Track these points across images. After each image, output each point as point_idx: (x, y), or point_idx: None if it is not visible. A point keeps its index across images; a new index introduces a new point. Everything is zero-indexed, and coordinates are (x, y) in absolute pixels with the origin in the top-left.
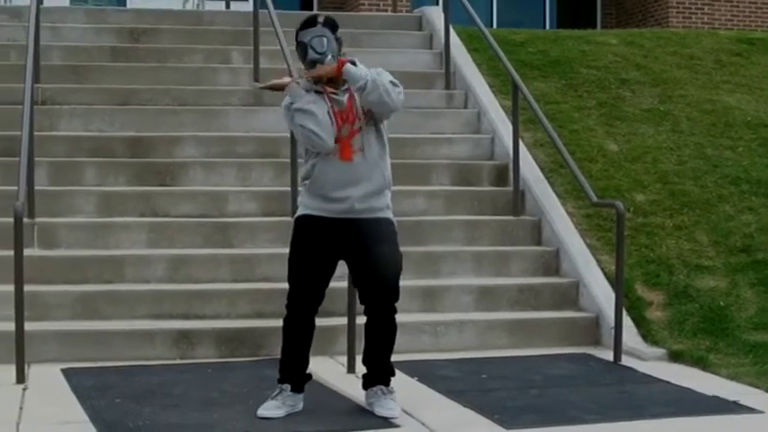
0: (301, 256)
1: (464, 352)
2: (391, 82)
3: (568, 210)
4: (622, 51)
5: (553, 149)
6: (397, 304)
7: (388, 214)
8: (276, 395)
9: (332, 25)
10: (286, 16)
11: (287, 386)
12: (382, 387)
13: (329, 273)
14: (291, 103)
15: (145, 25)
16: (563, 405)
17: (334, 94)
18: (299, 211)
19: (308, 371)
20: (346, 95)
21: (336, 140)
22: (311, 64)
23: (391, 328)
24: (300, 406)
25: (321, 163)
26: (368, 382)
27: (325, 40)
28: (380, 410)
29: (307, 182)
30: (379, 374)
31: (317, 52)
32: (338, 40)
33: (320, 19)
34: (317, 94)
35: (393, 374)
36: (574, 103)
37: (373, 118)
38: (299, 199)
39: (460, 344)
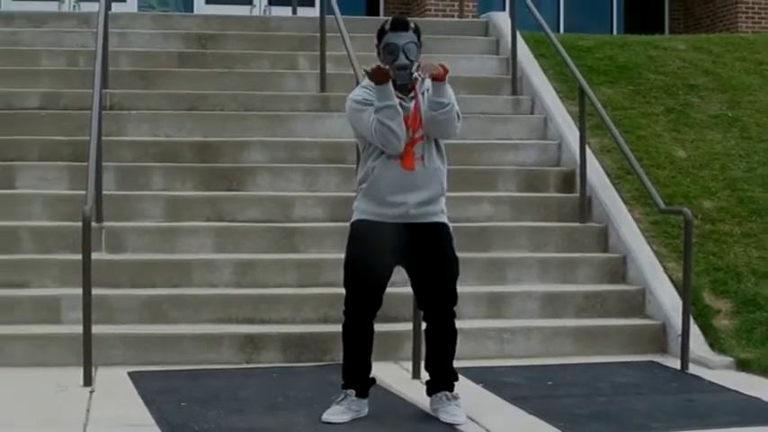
0: (358, 261)
1: (530, 359)
2: (457, 113)
3: (635, 216)
4: (690, 57)
5: (620, 155)
6: (462, 310)
7: (444, 219)
8: (341, 400)
9: (419, 32)
10: (352, 21)
11: (351, 391)
12: (447, 393)
13: (386, 278)
14: (366, 101)
15: (212, 31)
16: (629, 413)
17: (401, 99)
18: (355, 216)
19: (371, 375)
20: (412, 103)
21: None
22: (398, 68)
23: (451, 332)
24: (365, 411)
25: (381, 167)
26: (432, 388)
27: (415, 47)
28: (445, 416)
29: (363, 185)
30: (442, 380)
31: (408, 59)
32: (420, 48)
33: (412, 24)
34: None
35: (456, 379)
36: (641, 108)
37: None
38: (355, 203)
39: (526, 350)
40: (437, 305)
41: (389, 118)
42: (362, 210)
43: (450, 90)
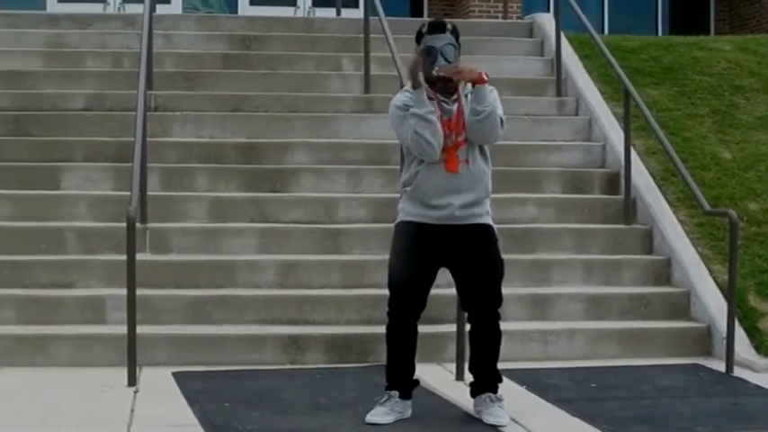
0: (401, 262)
1: (573, 361)
2: (500, 118)
3: (680, 218)
4: (736, 58)
5: (665, 157)
6: (507, 312)
7: (489, 220)
8: (384, 401)
9: (457, 34)
10: (396, 23)
11: (395, 392)
12: (490, 395)
13: (430, 279)
14: (407, 106)
15: (256, 32)
16: (674, 416)
17: (444, 102)
18: (399, 218)
19: (414, 377)
20: (455, 105)
21: (444, 149)
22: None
23: (496, 334)
24: (409, 412)
25: (425, 171)
26: (475, 390)
27: (454, 49)
28: (488, 418)
29: (408, 188)
30: (486, 381)
31: (447, 60)
32: (458, 50)
33: (449, 26)
34: (428, 100)
35: (500, 381)
36: (686, 110)
37: None
38: (399, 205)
39: (570, 353)
40: (482, 307)
41: (422, 128)
42: (407, 211)
43: (493, 94)
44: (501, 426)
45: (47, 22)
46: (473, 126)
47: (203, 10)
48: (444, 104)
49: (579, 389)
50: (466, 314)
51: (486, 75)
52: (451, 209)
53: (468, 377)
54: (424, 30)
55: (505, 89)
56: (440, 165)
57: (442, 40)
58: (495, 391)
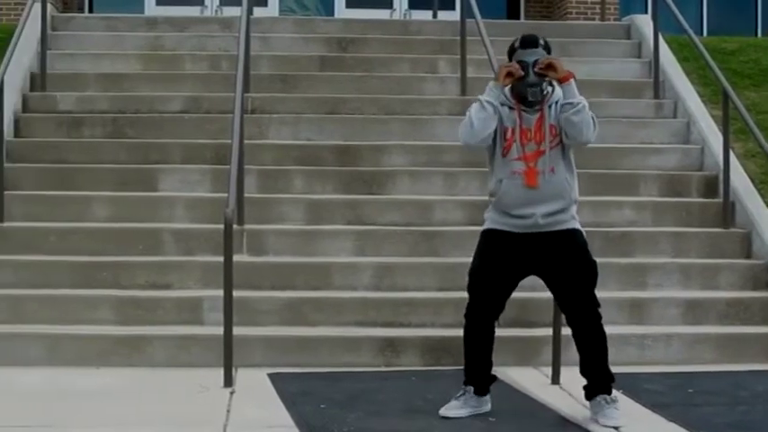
0: (483, 269)
1: (670, 365)
2: (593, 119)
3: None
4: None
5: (765, 160)
6: (604, 316)
7: (575, 225)
8: (459, 396)
9: (549, 48)
10: (493, 25)
11: (470, 388)
12: (605, 396)
13: (511, 287)
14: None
15: (353, 35)
16: None
17: (525, 111)
18: (485, 225)
19: (492, 373)
20: (536, 115)
21: (521, 158)
22: (528, 86)
23: (599, 334)
24: (486, 408)
25: (506, 182)
26: (589, 393)
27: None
28: (604, 420)
29: (493, 198)
30: (598, 383)
31: (537, 75)
32: None
33: (541, 41)
34: (509, 110)
35: (612, 381)
36: None
37: (562, 141)
38: (486, 213)
39: (667, 357)
40: (579, 311)
41: (475, 110)
42: (492, 219)
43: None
44: (618, 427)
45: (145, 25)
46: (569, 121)
47: (300, 13)
48: (525, 113)
49: (676, 394)
50: (563, 317)
51: (573, 75)
52: (534, 218)
53: (565, 381)
54: (516, 45)
55: (603, 92)
56: (520, 177)
57: (533, 56)
58: (608, 391)
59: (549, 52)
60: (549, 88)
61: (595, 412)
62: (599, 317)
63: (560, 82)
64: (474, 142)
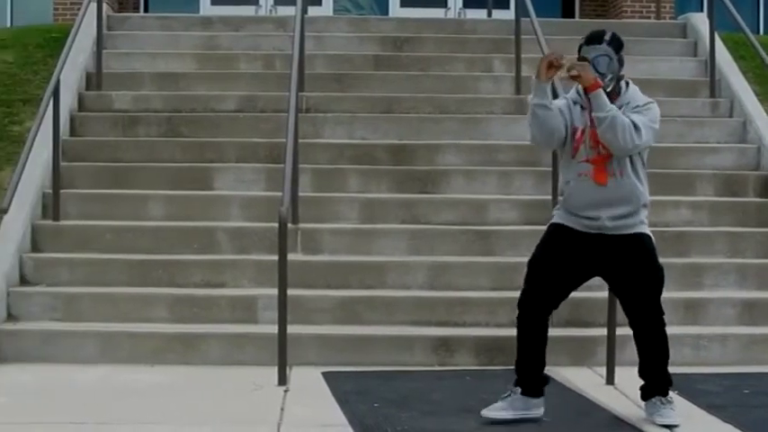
0: (544, 260)
1: (726, 366)
2: (634, 124)
3: None
4: None
5: None
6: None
7: (644, 229)
8: (505, 396)
9: (617, 45)
10: (547, 24)
11: (518, 389)
12: (660, 398)
13: (570, 285)
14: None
15: (407, 34)
16: None
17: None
18: (553, 219)
19: (544, 374)
20: None
21: (588, 160)
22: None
23: (661, 340)
24: (536, 412)
25: (574, 183)
26: (645, 394)
27: (608, 60)
28: (660, 419)
29: (563, 196)
30: (655, 385)
31: (597, 71)
32: (620, 61)
33: (607, 36)
34: (581, 110)
35: (670, 384)
36: None
37: None
38: (554, 210)
39: (722, 358)
40: (643, 317)
41: (530, 116)
42: (560, 215)
43: (606, 103)
44: (673, 426)
45: (200, 24)
46: (603, 137)
47: (354, 12)
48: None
49: (731, 395)
50: (618, 317)
51: (599, 82)
52: (602, 221)
53: (619, 382)
54: (582, 41)
55: (659, 91)
56: (588, 177)
57: (595, 51)
58: (665, 393)
59: (617, 49)
60: (611, 84)
61: (651, 412)
62: (662, 324)
63: (586, 91)
64: (543, 144)
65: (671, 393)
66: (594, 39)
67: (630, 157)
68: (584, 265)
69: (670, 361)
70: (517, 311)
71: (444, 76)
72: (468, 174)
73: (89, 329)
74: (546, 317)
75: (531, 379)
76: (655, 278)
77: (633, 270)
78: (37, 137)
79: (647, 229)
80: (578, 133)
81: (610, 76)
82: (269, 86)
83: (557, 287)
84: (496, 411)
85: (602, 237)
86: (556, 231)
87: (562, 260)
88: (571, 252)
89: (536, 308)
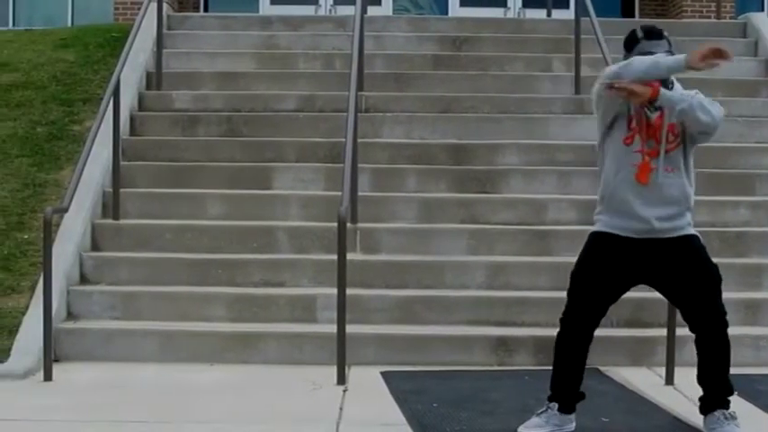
0: (589, 274)
1: None
2: (700, 103)
3: None
4: None
5: None
6: None
7: (692, 231)
8: (541, 413)
9: (671, 45)
10: (607, 23)
11: (554, 405)
12: (723, 412)
13: (617, 295)
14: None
15: (467, 33)
16: None
17: (647, 108)
18: (595, 227)
19: (580, 390)
20: (656, 113)
21: (641, 151)
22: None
23: (723, 344)
24: (569, 427)
25: (618, 180)
26: (705, 407)
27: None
28: None
29: (605, 195)
30: (715, 396)
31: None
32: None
33: (665, 32)
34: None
35: (731, 393)
36: None
37: (684, 141)
38: (596, 213)
39: None
40: (706, 321)
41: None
42: (604, 222)
43: (675, 93)
44: None
45: (259, 24)
46: (698, 122)
47: (414, 11)
48: (647, 110)
49: None
50: (678, 317)
51: (655, 84)
52: (650, 222)
53: (679, 382)
54: (640, 35)
55: (718, 90)
56: (632, 174)
57: (660, 48)
58: (726, 406)
59: (670, 45)
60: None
61: (713, 428)
62: (726, 325)
63: (651, 102)
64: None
65: (732, 406)
66: (656, 34)
67: (682, 157)
68: (633, 274)
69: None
70: (560, 325)
71: (503, 76)
72: (527, 174)
73: (148, 328)
74: (592, 331)
75: (570, 396)
76: (713, 278)
77: (692, 274)
78: (97, 136)
79: (694, 230)
80: (634, 122)
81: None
82: (328, 86)
83: (603, 302)
84: (534, 429)
85: (650, 242)
86: (599, 242)
87: (607, 274)
88: (617, 263)
89: (582, 326)
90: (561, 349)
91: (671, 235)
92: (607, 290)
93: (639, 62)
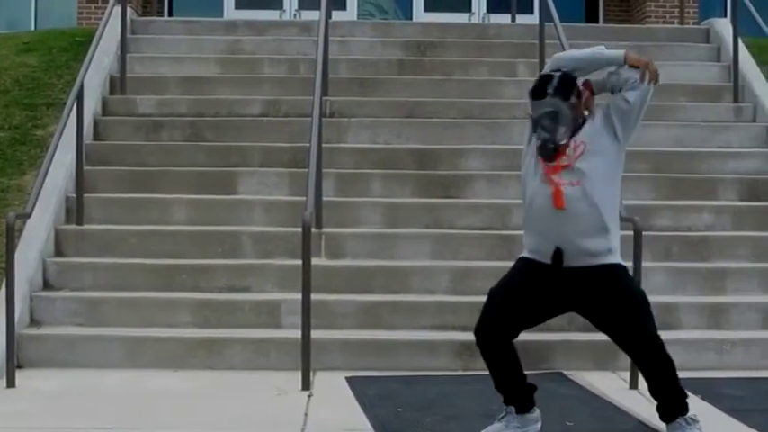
0: (502, 295)
1: (750, 371)
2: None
3: None
4: None
5: None
6: (682, 320)
7: (613, 259)
8: (501, 417)
9: (565, 88)
10: (571, 29)
11: (511, 408)
12: (685, 417)
13: (526, 322)
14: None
15: (431, 38)
16: None
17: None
18: (524, 251)
19: (528, 386)
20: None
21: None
22: (543, 145)
23: (660, 362)
24: (534, 427)
25: (533, 198)
26: (665, 416)
27: (555, 114)
28: None
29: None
30: (671, 404)
31: (545, 131)
32: (579, 95)
33: (549, 89)
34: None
35: (686, 396)
36: None
37: (599, 151)
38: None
39: (746, 362)
40: (634, 347)
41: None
42: (525, 244)
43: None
44: None
45: (224, 28)
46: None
47: (378, 16)
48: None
49: (756, 399)
50: None
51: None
52: (561, 245)
53: (643, 385)
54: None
55: (681, 95)
56: (545, 193)
57: (539, 109)
58: (684, 411)
59: (565, 94)
60: (566, 138)
61: None
62: (659, 346)
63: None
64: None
65: (695, 410)
66: (536, 93)
67: (600, 165)
68: (552, 302)
69: (694, 365)
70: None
71: (468, 81)
72: (491, 178)
73: (112, 334)
74: (508, 342)
75: (518, 395)
76: (638, 309)
77: (608, 306)
78: (60, 141)
79: (616, 259)
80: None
81: (563, 129)
82: (293, 91)
83: (513, 324)
84: None
85: (566, 271)
86: (519, 267)
87: (517, 301)
88: (531, 290)
89: (489, 339)
90: (486, 359)
91: (586, 264)
92: (508, 319)
93: (578, 51)
